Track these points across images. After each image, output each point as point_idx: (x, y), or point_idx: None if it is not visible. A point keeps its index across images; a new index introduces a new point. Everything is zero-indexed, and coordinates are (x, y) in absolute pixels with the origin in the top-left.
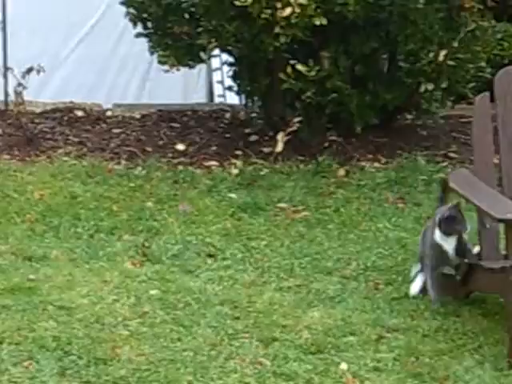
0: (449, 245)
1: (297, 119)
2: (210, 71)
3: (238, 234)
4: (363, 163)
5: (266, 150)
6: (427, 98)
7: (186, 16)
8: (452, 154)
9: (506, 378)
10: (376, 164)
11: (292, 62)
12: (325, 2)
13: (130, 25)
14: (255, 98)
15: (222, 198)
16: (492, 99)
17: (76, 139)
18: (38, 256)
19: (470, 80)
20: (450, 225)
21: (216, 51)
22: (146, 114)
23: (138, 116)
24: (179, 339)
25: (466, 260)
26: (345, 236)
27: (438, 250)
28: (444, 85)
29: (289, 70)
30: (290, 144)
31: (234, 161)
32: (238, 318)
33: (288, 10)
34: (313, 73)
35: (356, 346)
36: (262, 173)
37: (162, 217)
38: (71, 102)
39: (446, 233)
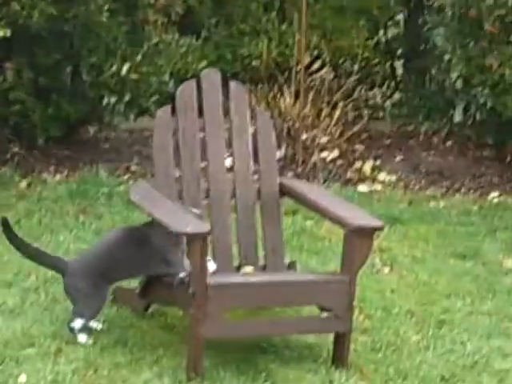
0: None
1: None
2: None
3: None
4: (45, 175)
5: None
6: (110, 111)
7: None
8: (134, 168)
9: None
10: (58, 176)
11: None
12: (9, 14)
13: None
14: None
15: None
16: (174, 112)
17: None
18: None
19: (153, 93)
20: None
21: None
22: None
23: None
24: None
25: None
26: None
27: None
28: (127, 98)
29: None
30: None
31: None
32: None
33: None
34: None
35: (35, 358)
36: None
37: None
38: None
39: None
